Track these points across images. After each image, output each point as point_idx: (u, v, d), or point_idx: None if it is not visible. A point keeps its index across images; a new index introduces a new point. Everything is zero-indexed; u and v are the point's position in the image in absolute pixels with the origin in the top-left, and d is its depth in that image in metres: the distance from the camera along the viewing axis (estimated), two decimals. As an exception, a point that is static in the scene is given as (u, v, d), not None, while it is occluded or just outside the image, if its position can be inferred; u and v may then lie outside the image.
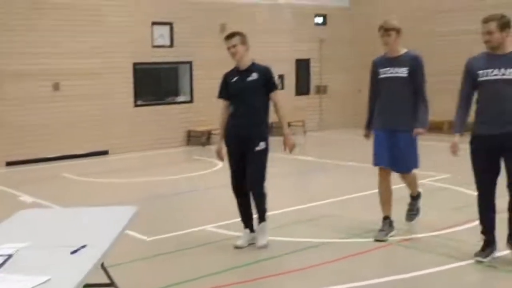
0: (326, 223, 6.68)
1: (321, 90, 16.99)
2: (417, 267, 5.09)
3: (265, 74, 5.80)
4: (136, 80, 13.79)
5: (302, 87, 16.86)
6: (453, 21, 14.79)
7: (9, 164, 11.99)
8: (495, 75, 4.86)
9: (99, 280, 3.96)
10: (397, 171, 5.97)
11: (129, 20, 13.51)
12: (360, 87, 16.49)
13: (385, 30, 5.75)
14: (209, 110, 14.69)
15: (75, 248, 3.18)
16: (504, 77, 4.83)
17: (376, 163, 5.94)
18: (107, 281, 4.05)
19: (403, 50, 5.85)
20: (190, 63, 14.61)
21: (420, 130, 5.75)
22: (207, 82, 14.68)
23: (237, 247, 5.70)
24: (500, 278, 4.89)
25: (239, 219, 5.94)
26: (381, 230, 5.89)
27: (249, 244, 5.78)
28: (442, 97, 11.03)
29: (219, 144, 5.98)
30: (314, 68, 16.85)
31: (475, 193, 5.17)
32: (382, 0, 16.09)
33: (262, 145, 5.67)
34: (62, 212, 4.41)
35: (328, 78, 16.88)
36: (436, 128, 14.34)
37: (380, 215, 6.01)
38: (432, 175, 9.01)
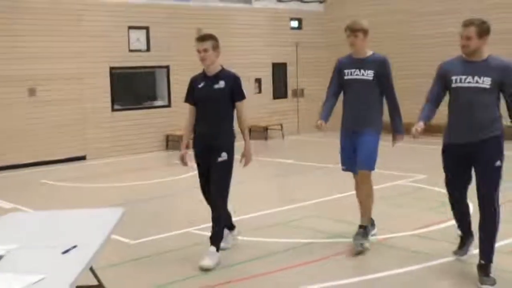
0: (307, 225, 6.77)
1: (298, 93, 17.13)
2: (396, 266, 5.19)
3: (233, 82, 5.50)
4: (113, 84, 13.74)
5: (279, 91, 16.97)
6: (431, 24, 15.05)
7: (-15, 170, 11.87)
8: (469, 82, 4.66)
9: (86, 282, 3.99)
10: (360, 168, 5.68)
11: (105, 24, 13.47)
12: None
13: (352, 30, 5.56)
14: (185, 113, 14.77)
15: (66, 248, 3.22)
16: (478, 85, 4.63)
17: (343, 167, 5.85)
18: (95, 282, 4.08)
19: (369, 52, 5.68)
20: (167, 67, 14.62)
21: (400, 137, 5.73)
22: (184, 86, 14.57)
23: (221, 249, 5.53)
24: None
25: None
26: (357, 233, 5.74)
27: (233, 245, 5.75)
28: (420, 100, 11.19)
29: (182, 149, 5.69)
30: (290, 71, 16.99)
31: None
32: (355, 4, 16.32)
33: (224, 156, 5.37)
34: (49, 214, 4.40)
35: (304, 82, 17.02)
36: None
37: (354, 217, 6.00)
38: (409, 176, 9.21)
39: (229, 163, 5.43)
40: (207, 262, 5.23)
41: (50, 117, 12.75)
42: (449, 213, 5.26)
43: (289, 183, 10.10)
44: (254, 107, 16.20)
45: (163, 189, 9.46)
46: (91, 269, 3.92)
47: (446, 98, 4.96)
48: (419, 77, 14.01)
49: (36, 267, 2.92)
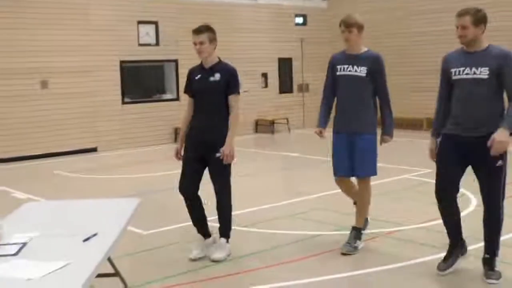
0: (314, 217, 6.90)
1: (303, 88, 17.27)
2: (404, 258, 5.29)
3: (228, 75, 5.30)
4: (123, 78, 13.94)
5: (285, 86, 17.13)
6: (433, 21, 15.13)
7: (-2, 161, 12.10)
8: (467, 74, 4.53)
9: (103, 270, 4.15)
10: (355, 175, 5.56)
11: (115, 18, 13.64)
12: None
13: (346, 26, 5.35)
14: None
15: (86, 236, 3.38)
16: (475, 76, 4.49)
17: (336, 174, 5.57)
18: (111, 271, 4.24)
19: (364, 49, 5.47)
20: (175, 61, 14.77)
21: (387, 139, 5.54)
22: (193, 80, 14.89)
23: (192, 260, 5.32)
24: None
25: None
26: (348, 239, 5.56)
27: (205, 256, 5.40)
28: (422, 95, 11.33)
29: (179, 143, 5.52)
30: (296, 67, 17.13)
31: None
32: (358, 0, 16.42)
33: (221, 151, 5.23)
34: (67, 203, 4.57)
35: (309, 77, 17.15)
36: (416, 125, 14.75)
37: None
38: (413, 170, 9.32)
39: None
40: (217, 254, 5.32)
41: (62, 109, 12.95)
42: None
43: (295, 177, 10.24)
44: (260, 101, 16.38)
45: (172, 181, 9.55)
46: (108, 258, 4.08)
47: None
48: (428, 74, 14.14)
49: (58, 254, 3.04)
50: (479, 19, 4.49)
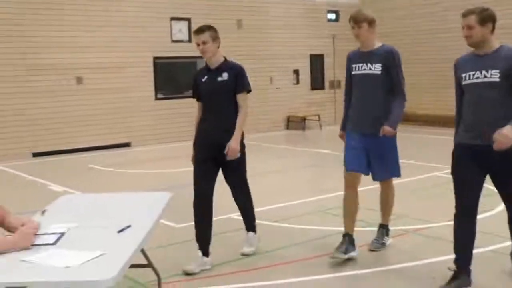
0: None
1: (335, 85, 17.24)
2: (433, 254, 5.30)
3: (236, 74, 5.14)
4: (156, 74, 14.14)
5: (317, 82, 17.13)
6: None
7: (35, 155, 12.40)
8: (477, 78, 4.24)
9: (137, 261, 4.27)
10: (376, 179, 5.36)
11: (148, 15, 13.84)
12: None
13: (355, 21, 5.08)
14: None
15: (121, 228, 3.48)
16: (486, 80, 4.20)
17: (347, 168, 5.26)
18: (144, 262, 4.36)
19: (377, 44, 5.19)
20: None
21: (388, 128, 5.04)
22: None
23: (186, 273, 5.00)
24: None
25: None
26: (339, 247, 5.17)
27: (201, 270, 5.06)
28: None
29: (194, 149, 5.34)
30: (327, 63, 17.10)
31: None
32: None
33: (227, 146, 5.07)
34: (103, 196, 4.69)
35: (341, 73, 17.06)
36: (448, 122, 14.58)
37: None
38: (443, 168, 9.24)
39: (241, 160, 5.21)
40: (246, 248, 5.45)
41: (96, 104, 13.21)
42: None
43: (325, 173, 10.26)
44: (292, 98, 16.43)
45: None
46: (141, 249, 4.20)
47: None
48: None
49: (94, 245, 3.13)
50: (485, 18, 4.23)
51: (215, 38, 5.12)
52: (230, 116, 5.13)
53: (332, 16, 17.18)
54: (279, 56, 16.10)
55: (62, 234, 3.37)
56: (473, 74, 4.28)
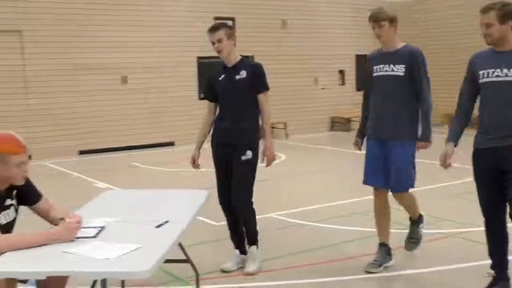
0: (396, 215, 6.88)
1: (381, 85, 17.07)
2: (474, 258, 5.20)
3: (255, 71, 4.93)
4: (200, 73, 14.26)
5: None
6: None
7: (81, 153, 12.69)
8: (497, 76, 3.99)
9: (176, 257, 4.33)
10: (390, 190, 4.98)
11: (192, 15, 13.97)
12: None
13: (375, 20, 4.76)
14: (271, 104, 15.06)
15: (159, 223, 3.55)
16: (506, 78, 3.96)
17: (365, 181, 5.02)
18: (182, 257, 4.41)
19: (400, 44, 4.85)
20: (251, 57, 14.93)
21: (421, 145, 4.75)
22: (268, 76, 14.99)
23: (223, 271, 5.04)
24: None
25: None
26: (374, 261, 4.98)
27: (238, 268, 5.08)
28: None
29: (194, 150, 5.25)
30: (374, 64, 16.94)
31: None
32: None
33: (249, 154, 4.87)
34: (143, 192, 4.78)
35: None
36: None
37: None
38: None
39: (253, 163, 4.93)
40: (249, 268, 4.97)
41: (140, 104, 13.44)
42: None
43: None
44: (336, 98, 16.33)
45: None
46: (180, 246, 4.24)
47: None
48: None
49: (132, 238, 3.22)
50: (507, 13, 3.96)
51: (230, 36, 4.90)
52: (248, 115, 4.95)
53: (378, 15, 17.00)
54: (324, 56, 16.04)
55: (103, 228, 3.47)
56: (493, 72, 4.02)
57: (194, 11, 14.01)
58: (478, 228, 6.06)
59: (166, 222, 3.58)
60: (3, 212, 3.40)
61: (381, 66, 4.81)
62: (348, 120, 16.20)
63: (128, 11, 13.22)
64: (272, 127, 15.06)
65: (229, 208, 5.06)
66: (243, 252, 5.14)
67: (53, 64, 12.41)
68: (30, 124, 12.19)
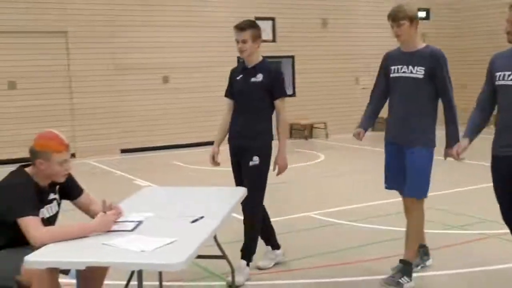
0: (428, 215, 6.82)
1: (423, 85, 16.87)
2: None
3: (272, 76, 4.76)
4: (240, 73, 14.35)
5: (404, 82, 16.82)
6: None
7: (123, 151, 12.93)
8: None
9: (212, 253, 4.41)
10: (405, 195, 4.70)
11: (233, 15, 14.05)
12: (464, 83, 16.23)
13: (394, 19, 4.49)
14: (311, 104, 15.05)
15: (194, 218, 3.63)
16: None
17: (386, 185, 4.84)
18: (218, 254, 4.48)
19: (421, 45, 4.57)
20: (292, 57, 14.97)
21: (454, 151, 4.30)
22: (308, 76, 15.07)
23: (259, 268, 4.99)
24: None
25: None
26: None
27: (275, 264, 5.09)
28: None
29: (213, 147, 5.07)
30: (416, 63, 16.75)
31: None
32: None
33: (255, 160, 4.71)
34: (180, 189, 4.88)
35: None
36: None
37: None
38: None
39: (260, 168, 4.76)
40: (239, 278, 4.65)
41: (181, 103, 13.61)
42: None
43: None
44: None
45: (286, 174, 9.77)
46: (216, 242, 4.32)
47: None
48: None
49: (168, 232, 3.31)
50: None
51: (256, 38, 4.77)
52: (260, 120, 4.80)
53: (422, 14, 16.76)
54: (365, 55, 15.91)
55: (140, 222, 3.57)
56: (509, 75, 3.79)
57: (235, 11, 14.10)
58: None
59: (201, 217, 3.65)
60: (46, 206, 3.54)
61: (399, 67, 4.55)
62: (389, 120, 16.07)
63: (169, 11, 13.41)
64: (313, 127, 15.12)
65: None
66: (274, 246, 5.12)
67: (96, 64, 12.68)
68: (74, 123, 12.51)
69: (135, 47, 13.01)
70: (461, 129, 4.38)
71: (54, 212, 3.63)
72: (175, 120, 13.59)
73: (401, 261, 4.65)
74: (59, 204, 3.70)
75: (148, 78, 13.23)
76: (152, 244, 3.08)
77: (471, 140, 4.16)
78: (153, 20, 13.21)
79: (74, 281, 3.55)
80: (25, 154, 3.62)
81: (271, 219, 5.24)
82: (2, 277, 3.28)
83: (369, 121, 4.91)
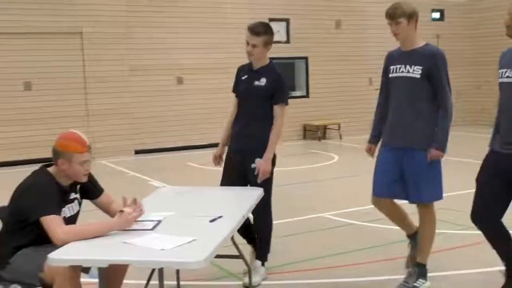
0: (445, 216, 6.81)
1: (437, 86, 16.81)
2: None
3: (275, 81, 4.70)
4: (254, 75, 14.38)
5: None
6: None
7: (137, 152, 13.01)
8: (508, 77, 3.72)
9: (229, 253, 4.45)
10: (410, 199, 4.49)
11: (247, 16, 14.08)
12: (479, 83, 16.19)
13: (391, 17, 4.38)
14: (325, 105, 15.06)
15: (213, 218, 3.66)
16: None
17: (374, 191, 4.58)
18: (235, 253, 4.51)
19: (420, 43, 4.40)
20: (306, 58, 14.98)
21: (434, 152, 4.25)
22: (322, 77, 15.08)
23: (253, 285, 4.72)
24: None
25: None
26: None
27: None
28: None
29: (219, 147, 5.07)
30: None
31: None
32: (505, -7, 15.70)
33: (256, 162, 4.69)
34: (198, 189, 4.91)
35: (444, 74, 16.63)
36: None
37: None
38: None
39: (269, 180, 4.76)
40: (254, 278, 4.65)
41: (195, 104, 13.65)
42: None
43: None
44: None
45: (301, 176, 9.83)
46: (233, 242, 4.36)
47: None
48: None
49: (187, 231, 3.35)
50: None
51: (267, 44, 4.69)
52: (260, 123, 4.74)
53: (436, 15, 16.69)
54: (379, 56, 15.69)
55: (160, 221, 3.62)
56: (508, 72, 3.70)
57: (249, 13, 14.13)
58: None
59: (220, 217, 3.68)
60: (67, 206, 3.59)
61: (398, 66, 4.39)
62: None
63: (183, 13, 13.47)
64: (326, 128, 15.11)
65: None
66: (259, 256, 4.89)
67: (111, 65, 12.76)
68: (90, 124, 12.59)
69: (150, 48, 13.09)
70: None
71: (75, 211, 3.68)
72: (189, 121, 13.64)
73: (415, 264, 4.56)
74: (80, 204, 3.76)
75: (162, 79, 13.30)
76: (172, 243, 3.13)
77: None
78: (168, 21, 13.28)
79: (94, 280, 3.59)
80: (42, 154, 3.68)
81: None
82: (26, 274, 3.34)
83: (379, 131, 4.68)
